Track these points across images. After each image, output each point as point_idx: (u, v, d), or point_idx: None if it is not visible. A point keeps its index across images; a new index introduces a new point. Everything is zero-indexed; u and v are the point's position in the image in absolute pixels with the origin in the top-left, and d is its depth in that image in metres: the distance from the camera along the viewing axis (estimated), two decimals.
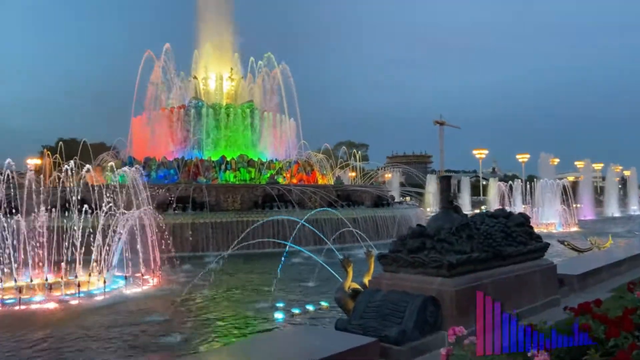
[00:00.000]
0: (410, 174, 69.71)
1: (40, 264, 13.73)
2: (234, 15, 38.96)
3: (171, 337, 8.32)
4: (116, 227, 14.37)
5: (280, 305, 10.33)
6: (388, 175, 67.81)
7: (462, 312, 6.02)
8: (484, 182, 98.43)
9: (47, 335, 8.64)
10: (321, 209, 22.48)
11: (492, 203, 54.40)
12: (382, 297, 6.48)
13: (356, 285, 7.62)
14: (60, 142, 37.10)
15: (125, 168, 18.18)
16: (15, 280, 12.52)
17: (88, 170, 20.47)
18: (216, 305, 11.07)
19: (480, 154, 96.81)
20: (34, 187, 15.16)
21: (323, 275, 12.53)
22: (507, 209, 9.45)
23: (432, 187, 67.93)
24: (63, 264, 13.36)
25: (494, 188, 58.83)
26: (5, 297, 11.71)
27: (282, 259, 11.88)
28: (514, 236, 7.57)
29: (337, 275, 10.67)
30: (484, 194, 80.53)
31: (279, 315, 9.54)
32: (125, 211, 14.53)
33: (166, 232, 20.32)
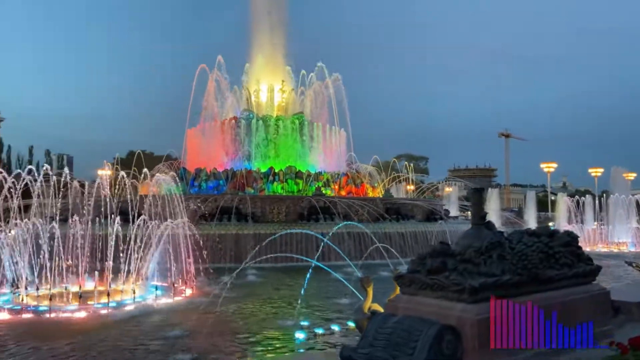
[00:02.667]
0: (467, 187, 67.22)
1: (81, 271, 13.94)
2: (286, 27, 39.32)
3: (182, 355, 7.95)
4: (153, 237, 14.39)
5: (305, 324, 9.75)
6: (448, 189, 65.76)
7: (485, 345, 5.21)
8: (552, 198, 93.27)
9: (53, 347, 8.50)
10: (347, 222, 21.70)
11: (560, 220, 51.30)
12: (395, 323, 5.77)
13: (378, 307, 6.92)
14: (130, 154, 38.79)
15: (161, 178, 18.33)
16: (51, 288, 12.69)
17: (139, 180, 20.94)
18: (240, 321, 10.67)
19: (548, 167, 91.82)
20: (92, 196, 15.46)
21: (361, 292, 11.81)
22: (575, 226, 8.38)
23: (493, 202, 65.14)
24: (97, 273, 13.46)
25: (563, 204, 55.50)
26: (41, 304, 11.87)
27: (308, 275, 11.29)
28: (556, 257, 6.60)
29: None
30: (552, 209, 76.16)
31: (300, 336, 8.97)
32: (160, 221, 14.50)
33: (208, 243, 20.45)
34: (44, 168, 15.56)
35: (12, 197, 14.01)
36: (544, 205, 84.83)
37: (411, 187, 47.40)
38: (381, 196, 32.64)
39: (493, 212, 60.04)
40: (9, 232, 13.42)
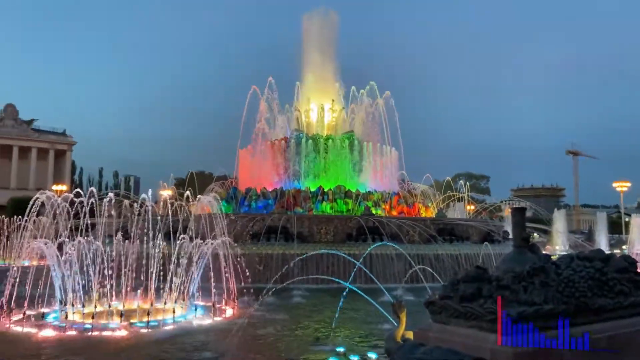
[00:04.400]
0: (533, 208, 64.24)
1: (126, 290, 14.26)
2: (336, 46, 39.65)
3: None
4: (195, 256, 14.55)
5: (341, 350, 9.37)
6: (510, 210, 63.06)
7: None
8: (627, 219, 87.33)
9: None
10: (380, 243, 21.08)
11: (635, 242, 47.82)
12: (423, 354, 5.35)
13: (412, 335, 6.48)
14: (189, 174, 40.25)
15: (205, 198, 18.62)
16: (95, 306, 13.02)
17: (190, 199, 21.41)
18: (276, 343, 10.43)
19: (621, 186, 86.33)
20: (149, 216, 15.90)
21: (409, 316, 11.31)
22: None
23: (560, 223, 61.86)
24: (141, 291, 13.71)
25: (636, 225, 51.76)
26: (86, 321, 12.18)
27: (342, 299, 10.90)
28: (610, 285, 5.95)
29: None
30: (626, 231, 71.23)
31: None
32: (202, 240, 14.65)
33: (253, 262, 20.50)
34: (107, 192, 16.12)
35: (80, 216, 14.70)
36: (617, 226, 79.63)
37: (471, 207, 45.90)
38: (433, 216, 31.70)
39: (560, 234, 57.06)
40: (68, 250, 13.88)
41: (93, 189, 15.01)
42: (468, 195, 42.51)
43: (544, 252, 6.66)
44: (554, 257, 6.41)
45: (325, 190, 30.60)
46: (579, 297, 5.51)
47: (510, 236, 33.79)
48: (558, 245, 51.59)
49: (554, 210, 68.88)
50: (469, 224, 29.30)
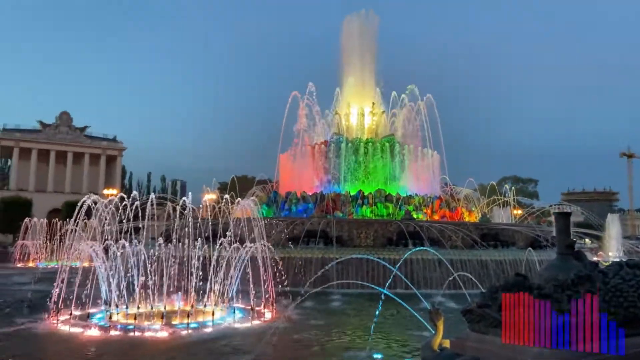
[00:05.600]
0: (585, 213, 61.61)
1: (168, 291, 14.54)
2: (377, 49, 39.38)
3: None
4: (235, 259, 14.69)
5: (378, 356, 9.20)
6: None
7: None
8: None
9: None
10: (420, 248, 20.60)
11: None
12: None
13: (449, 344, 6.27)
14: (233, 179, 41.06)
15: (244, 202, 18.76)
16: (139, 307, 13.33)
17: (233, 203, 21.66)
18: (311, 348, 10.36)
19: None
20: (190, 219, 16.26)
21: (450, 324, 11.04)
22: None
23: (613, 229, 59.12)
24: (182, 293, 13.95)
25: None
26: (129, 322, 12.48)
27: (379, 306, 10.69)
28: None
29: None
30: None
31: None
32: (240, 245, 14.77)
33: (293, 266, 20.55)
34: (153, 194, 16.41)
35: (129, 219, 15.18)
36: None
37: (518, 212, 44.56)
38: (477, 221, 30.92)
39: (613, 240, 54.46)
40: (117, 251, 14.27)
41: (136, 193, 15.39)
42: (514, 200, 41.27)
43: (595, 259, 6.32)
44: (604, 264, 6.05)
45: (366, 194, 30.39)
46: (628, 307, 5.17)
47: None
48: (612, 252, 49.25)
49: (607, 215, 65.88)
50: (514, 229, 28.45)
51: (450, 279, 18.22)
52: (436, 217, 30.24)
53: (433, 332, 6.37)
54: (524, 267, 23.05)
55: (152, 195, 15.11)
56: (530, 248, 24.54)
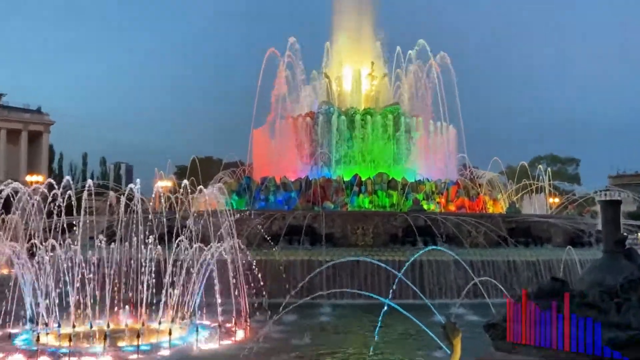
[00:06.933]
0: (637, 200, 62.56)
1: (116, 304, 14.57)
2: None
3: None
4: (197, 264, 14.72)
5: None
6: None
7: None
8: None
9: None
10: (431, 247, 20.83)
11: None
12: None
13: None
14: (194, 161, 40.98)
15: (207, 191, 18.75)
16: (74, 326, 13.33)
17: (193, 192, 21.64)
18: None
19: None
20: (139, 213, 16.15)
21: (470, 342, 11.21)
22: None
23: None
24: (129, 307, 13.96)
25: None
26: (61, 344, 12.48)
27: (380, 321, 10.78)
28: None
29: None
30: None
31: None
32: (204, 245, 14.80)
33: (271, 272, 20.65)
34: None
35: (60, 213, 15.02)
36: None
37: (555, 200, 45.10)
38: (503, 212, 31.23)
39: None
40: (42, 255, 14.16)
41: (68, 179, 15.28)
42: (550, 185, 41.69)
43: None
44: None
45: (364, 179, 30.52)
46: None
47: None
48: None
49: None
50: (550, 221, 28.82)
51: (469, 285, 18.39)
52: (452, 208, 30.47)
53: (448, 352, 6.48)
54: (563, 269, 23.40)
55: (90, 182, 15.02)
56: (570, 246, 24.81)
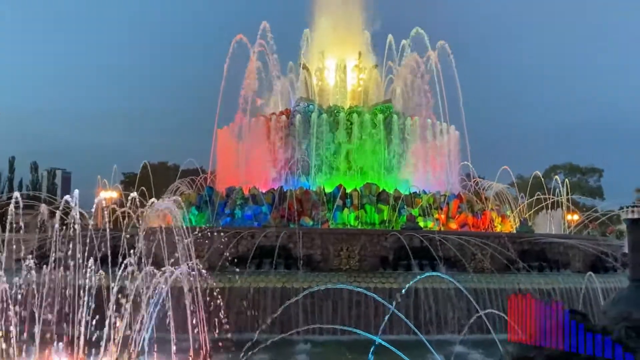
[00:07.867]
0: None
1: (47, 340, 14.35)
2: None
3: None
4: (147, 292, 14.59)
5: None
6: None
7: None
8: None
9: None
10: (429, 273, 20.94)
11: None
12: None
13: None
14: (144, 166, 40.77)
15: (160, 204, 18.61)
16: None
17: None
18: None
19: None
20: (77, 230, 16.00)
21: None
22: None
23: None
24: (62, 343, 13.79)
25: None
26: None
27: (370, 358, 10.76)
28: None
29: None
30: None
31: None
32: (157, 268, 14.69)
33: (237, 302, 20.57)
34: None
35: None
36: None
37: (574, 217, 45.53)
38: (513, 231, 31.44)
39: None
40: None
41: None
42: (568, 199, 42.12)
43: None
44: None
45: (348, 191, 30.62)
46: None
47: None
48: None
49: None
50: (568, 242, 29.09)
51: (473, 318, 18.44)
52: (453, 226, 30.67)
53: None
54: (582, 299, 23.60)
55: (16, 194, 14.81)
56: (591, 272, 25.03)
